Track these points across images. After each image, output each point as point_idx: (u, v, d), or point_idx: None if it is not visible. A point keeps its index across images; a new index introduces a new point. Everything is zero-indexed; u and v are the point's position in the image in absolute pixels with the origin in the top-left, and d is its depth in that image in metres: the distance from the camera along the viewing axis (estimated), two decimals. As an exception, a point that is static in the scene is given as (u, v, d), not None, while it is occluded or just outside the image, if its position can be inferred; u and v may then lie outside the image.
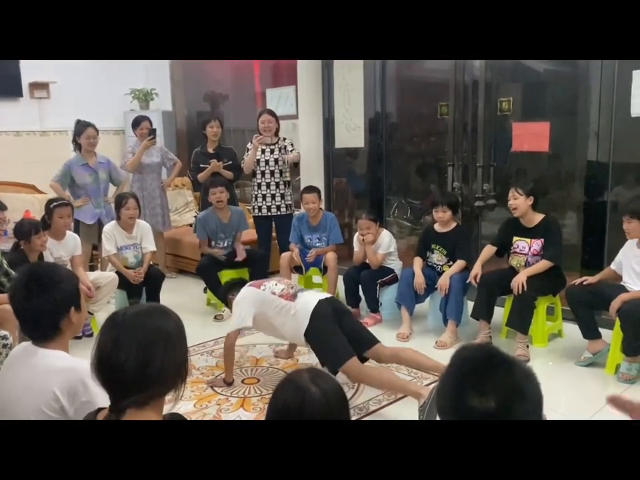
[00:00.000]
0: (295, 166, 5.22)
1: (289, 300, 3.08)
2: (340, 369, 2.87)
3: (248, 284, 3.32)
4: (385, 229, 4.44)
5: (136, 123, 5.37)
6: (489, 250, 3.84)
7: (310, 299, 3.06)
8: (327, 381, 1.29)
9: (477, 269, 3.76)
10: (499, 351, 1.13)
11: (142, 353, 1.27)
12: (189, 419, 2.82)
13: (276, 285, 3.20)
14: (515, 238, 3.74)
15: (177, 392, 1.36)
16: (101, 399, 1.58)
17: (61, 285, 1.76)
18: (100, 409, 1.39)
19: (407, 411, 2.77)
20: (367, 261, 4.31)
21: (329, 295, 3.20)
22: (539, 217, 3.68)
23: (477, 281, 3.71)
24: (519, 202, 3.61)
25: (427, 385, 3.07)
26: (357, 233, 4.36)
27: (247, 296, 3.21)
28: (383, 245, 4.29)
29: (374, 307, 4.27)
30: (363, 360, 3.02)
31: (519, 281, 3.53)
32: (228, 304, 3.45)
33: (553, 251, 3.61)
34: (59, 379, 1.67)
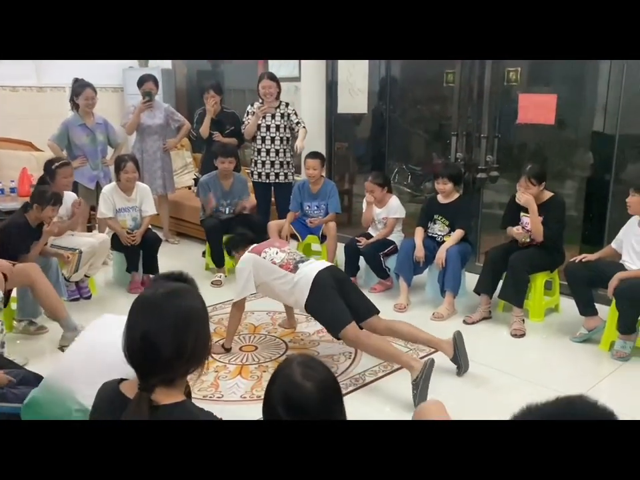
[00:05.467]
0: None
1: (289, 271, 3.08)
2: (339, 333, 2.93)
3: (250, 249, 3.28)
4: (394, 195, 4.40)
5: (140, 82, 5.26)
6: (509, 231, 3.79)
7: (310, 270, 3.06)
8: (319, 372, 1.29)
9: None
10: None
11: (177, 335, 1.31)
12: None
13: (277, 253, 3.17)
14: (521, 214, 3.72)
15: (201, 368, 1.41)
16: None
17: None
18: (122, 380, 1.42)
19: (403, 383, 2.81)
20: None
21: (329, 264, 3.20)
22: (547, 195, 3.65)
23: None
24: (532, 191, 3.56)
25: (422, 357, 3.11)
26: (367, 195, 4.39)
27: (247, 262, 3.20)
28: (392, 209, 4.29)
29: (383, 275, 4.28)
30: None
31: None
32: (232, 257, 3.48)
33: (549, 231, 3.58)
34: None
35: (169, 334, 1.31)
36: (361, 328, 3.07)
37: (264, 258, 3.16)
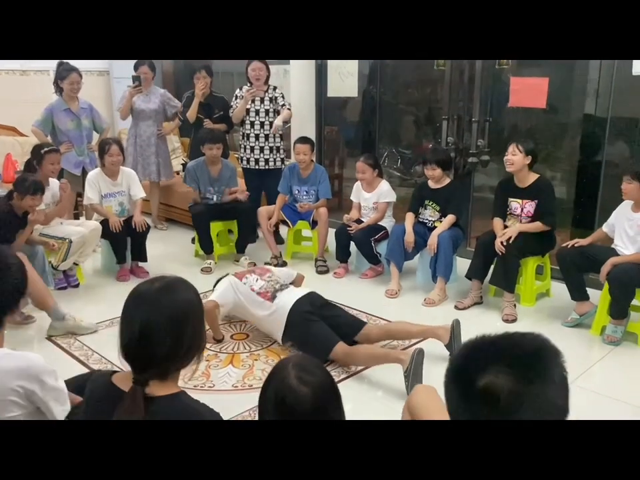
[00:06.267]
0: (286, 123, 5.03)
1: (267, 300, 3.13)
2: (328, 357, 2.91)
3: (233, 273, 3.37)
4: (384, 180, 4.37)
5: (136, 67, 5.17)
6: (498, 222, 3.70)
7: (287, 299, 3.09)
8: (315, 375, 1.26)
9: (504, 235, 3.54)
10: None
11: (175, 329, 1.31)
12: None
13: (257, 280, 3.22)
14: (509, 199, 3.69)
15: (198, 360, 1.40)
16: (59, 393, 1.57)
17: (12, 271, 1.51)
18: (114, 372, 1.42)
19: (395, 370, 2.79)
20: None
21: (308, 291, 3.20)
22: (533, 177, 3.62)
23: (506, 242, 3.52)
24: (516, 158, 3.53)
25: (411, 345, 3.11)
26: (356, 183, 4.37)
27: (229, 282, 3.25)
28: (382, 194, 4.26)
29: (375, 261, 4.25)
30: (353, 344, 3.01)
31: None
32: None
33: (548, 216, 3.56)
34: (12, 382, 1.47)
35: (166, 329, 1.30)
36: (356, 341, 3.05)
37: (244, 284, 3.22)
